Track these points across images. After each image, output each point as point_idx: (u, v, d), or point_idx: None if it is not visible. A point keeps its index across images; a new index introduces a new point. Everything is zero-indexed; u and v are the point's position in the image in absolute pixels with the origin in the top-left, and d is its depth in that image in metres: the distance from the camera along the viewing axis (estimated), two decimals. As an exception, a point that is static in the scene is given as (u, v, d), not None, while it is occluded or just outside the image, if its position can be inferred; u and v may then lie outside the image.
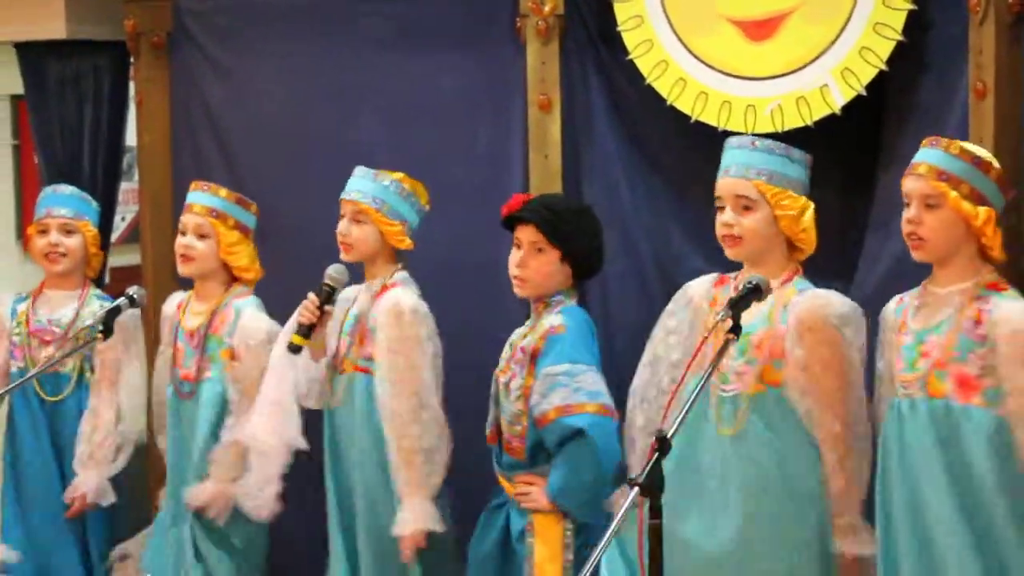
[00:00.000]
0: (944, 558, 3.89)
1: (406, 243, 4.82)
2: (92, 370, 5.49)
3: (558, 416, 4.33)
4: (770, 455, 4.16)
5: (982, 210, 3.89)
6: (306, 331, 4.71)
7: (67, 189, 5.67)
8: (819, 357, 4.11)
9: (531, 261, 4.49)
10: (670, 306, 4.46)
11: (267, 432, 4.83)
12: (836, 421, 4.12)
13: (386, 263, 4.83)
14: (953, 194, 3.88)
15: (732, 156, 4.27)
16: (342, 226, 4.81)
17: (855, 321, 4.17)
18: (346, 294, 4.90)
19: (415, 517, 4.64)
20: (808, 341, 4.11)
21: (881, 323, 4.16)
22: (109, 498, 5.45)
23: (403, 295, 4.72)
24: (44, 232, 5.55)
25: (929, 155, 3.97)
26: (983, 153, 3.98)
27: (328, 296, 4.73)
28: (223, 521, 5.04)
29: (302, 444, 4.87)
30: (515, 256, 4.51)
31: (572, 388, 4.34)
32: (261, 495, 4.92)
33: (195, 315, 5.20)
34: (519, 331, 4.58)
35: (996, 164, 3.96)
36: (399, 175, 4.83)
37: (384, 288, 4.77)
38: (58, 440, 5.50)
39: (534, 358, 4.43)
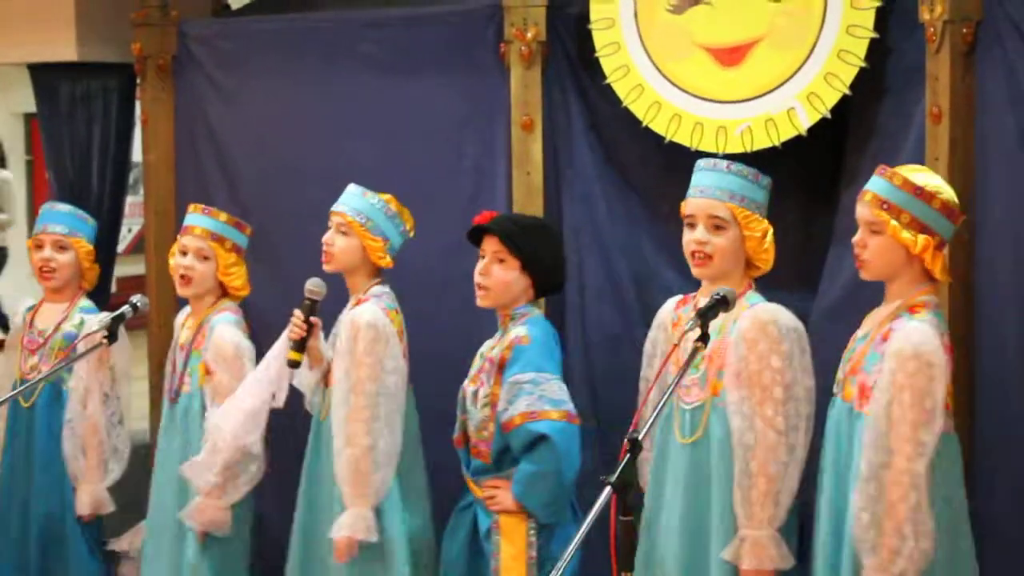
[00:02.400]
0: None
1: (386, 260, 4.88)
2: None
3: (524, 422, 4.43)
4: (719, 460, 4.23)
5: (921, 238, 3.96)
6: (298, 345, 4.82)
7: (64, 207, 5.74)
8: (758, 366, 4.18)
9: (493, 270, 4.61)
10: (649, 334, 4.56)
11: (230, 430, 4.89)
12: (768, 429, 4.16)
13: (365, 277, 4.90)
14: (893, 223, 3.97)
15: (706, 177, 4.35)
16: (328, 235, 4.90)
17: (797, 336, 4.23)
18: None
19: (351, 524, 4.68)
20: (748, 350, 4.19)
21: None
22: (108, 508, 5.54)
23: (365, 310, 4.77)
24: (40, 247, 5.61)
25: (875, 184, 4.05)
26: (927, 182, 4.02)
27: (311, 308, 4.82)
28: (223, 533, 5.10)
29: (257, 450, 4.96)
30: (479, 266, 4.64)
31: (537, 395, 4.44)
32: (199, 476, 4.99)
33: (187, 329, 5.27)
34: (488, 343, 4.69)
35: (942, 194, 4.01)
36: (387, 196, 4.92)
37: (358, 302, 4.86)
38: (31, 443, 5.57)
39: (501, 367, 4.54)
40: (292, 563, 5.02)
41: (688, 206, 4.37)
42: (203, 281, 5.21)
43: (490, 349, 4.66)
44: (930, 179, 4.07)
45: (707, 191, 4.33)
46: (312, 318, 4.83)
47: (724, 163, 4.39)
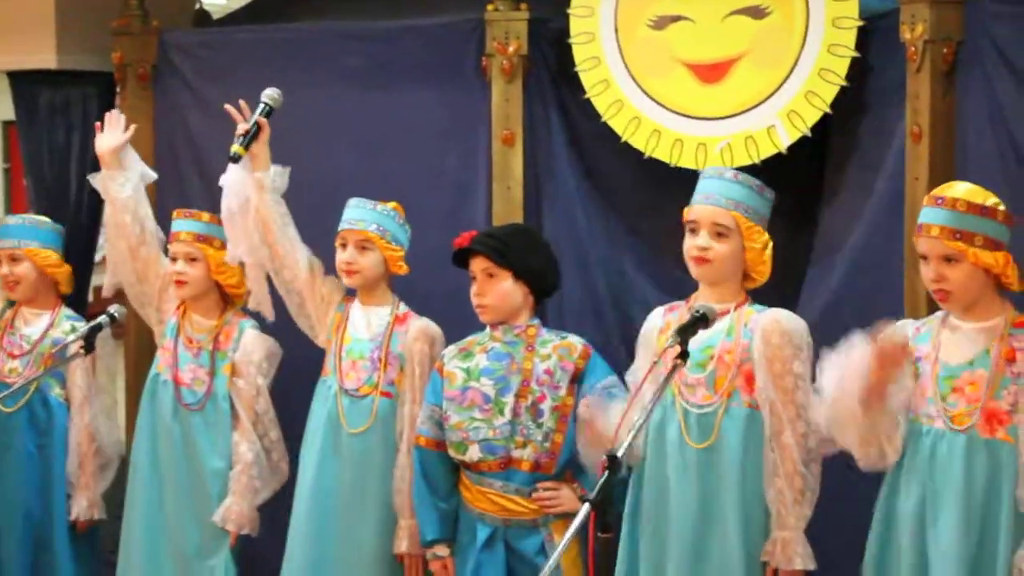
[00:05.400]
0: None
1: (404, 268, 4.96)
2: (62, 386, 5.59)
3: None
4: (735, 468, 4.26)
5: (999, 255, 3.91)
6: (246, 141, 4.88)
7: (14, 219, 5.77)
8: (787, 370, 4.23)
9: (487, 288, 4.65)
10: (638, 349, 4.53)
11: None
12: (797, 432, 4.22)
13: (385, 288, 5.00)
14: (971, 250, 3.89)
15: (713, 185, 4.33)
16: (347, 255, 4.91)
17: (808, 337, 4.28)
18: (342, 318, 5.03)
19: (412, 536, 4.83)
20: (772, 355, 4.23)
21: None
22: (102, 514, 5.57)
23: (431, 324, 4.96)
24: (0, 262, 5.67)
25: (936, 215, 3.94)
26: (987, 200, 3.95)
27: (267, 113, 4.90)
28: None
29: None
30: (473, 288, 4.69)
31: (623, 399, 4.42)
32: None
33: (198, 329, 5.28)
34: (499, 362, 4.67)
35: (1000, 204, 3.96)
36: (392, 204, 4.97)
37: (404, 316, 4.98)
38: (9, 449, 5.58)
39: (575, 378, 4.62)
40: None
41: (692, 212, 4.35)
42: (197, 283, 5.24)
43: (528, 360, 4.65)
44: (983, 194, 3.99)
45: (713, 198, 4.31)
46: (262, 119, 4.89)
47: (731, 172, 4.38)
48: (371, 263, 4.94)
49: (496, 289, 4.65)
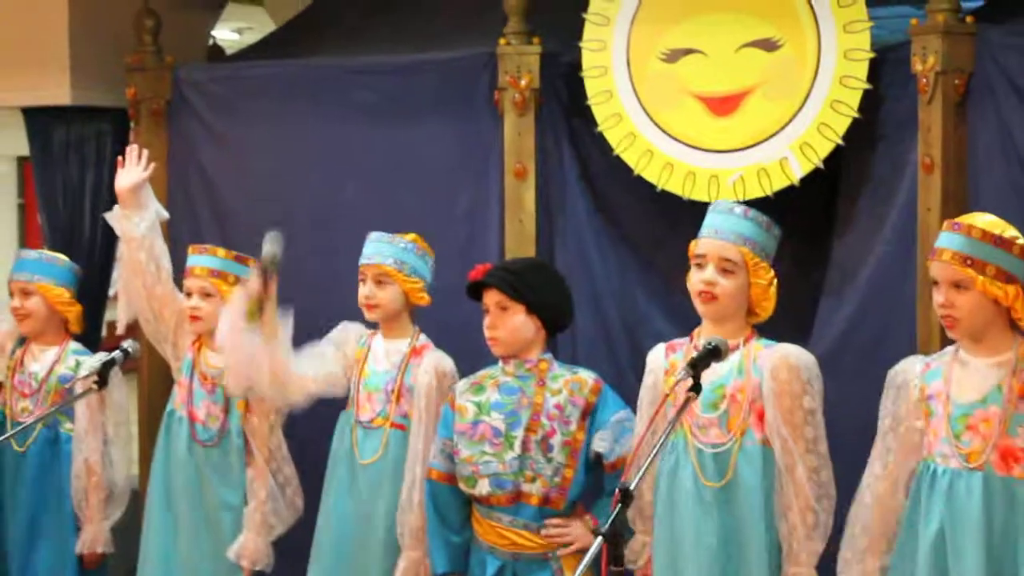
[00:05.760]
0: None
1: (426, 299, 4.98)
2: (72, 422, 5.56)
3: None
4: (753, 505, 4.24)
5: (1011, 288, 3.87)
6: (256, 307, 4.78)
7: (31, 253, 5.76)
8: (796, 406, 4.20)
9: (499, 321, 4.65)
10: (644, 381, 4.51)
11: None
12: (808, 467, 4.19)
13: (407, 319, 5.02)
14: (980, 279, 3.86)
15: (722, 220, 4.30)
16: (367, 290, 4.93)
17: (818, 372, 4.25)
18: (351, 331, 5.07)
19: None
20: (781, 391, 4.20)
21: (901, 386, 4.10)
22: (108, 547, 5.55)
23: (445, 359, 4.95)
24: (11, 295, 5.67)
25: (951, 240, 3.92)
26: (1005, 232, 3.92)
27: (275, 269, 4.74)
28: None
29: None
30: (486, 320, 4.69)
31: (636, 433, 4.49)
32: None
33: (212, 365, 5.26)
34: (510, 396, 4.67)
35: (1019, 239, 3.91)
36: (411, 236, 4.98)
37: (421, 348, 4.98)
38: (20, 487, 5.58)
39: (586, 413, 4.61)
40: None
41: (700, 246, 4.32)
42: (211, 319, 5.18)
43: (539, 395, 4.65)
44: (1003, 226, 3.96)
45: (721, 233, 4.29)
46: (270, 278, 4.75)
47: (740, 208, 4.35)
48: (390, 297, 4.95)
49: (508, 323, 4.66)
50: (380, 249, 4.97)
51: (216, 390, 5.24)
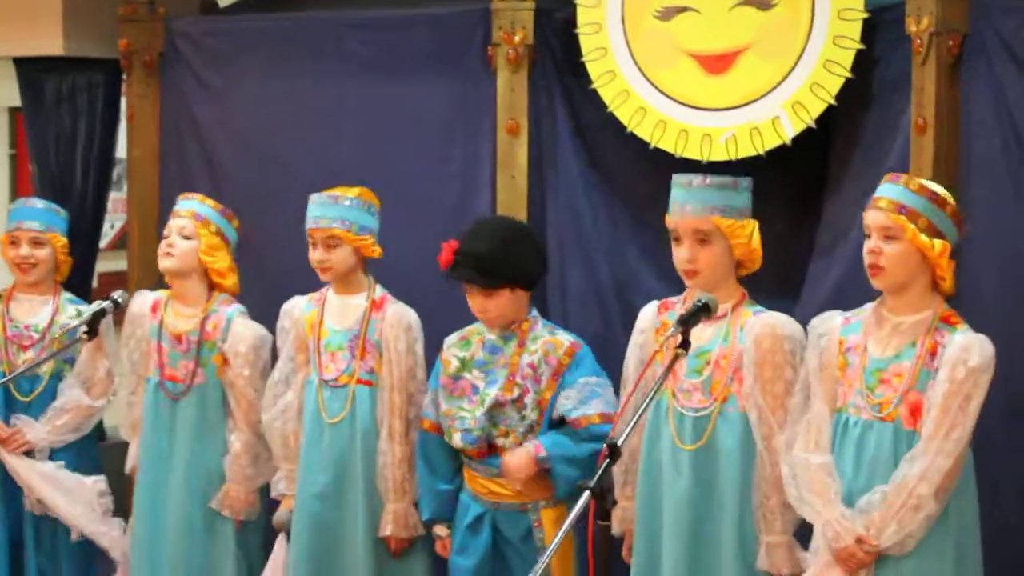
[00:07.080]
0: None
1: (377, 251, 4.96)
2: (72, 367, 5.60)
3: (602, 421, 4.52)
4: (730, 469, 4.28)
5: (938, 242, 3.97)
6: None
7: (39, 203, 5.74)
8: (777, 376, 4.24)
9: (488, 304, 4.66)
10: (632, 339, 4.55)
11: None
12: (779, 437, 4.22)
13: (362, 273, 5.00)
14: (911, 227, 3.96)
15: (686, 194, 4.34)
16: (319, 255, 4.92)
17: (802, 343, 4.28)
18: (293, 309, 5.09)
19: (397, 521, 4.90)
20: (763, 360, 4.24)
21: (822, 336, 4.19)
22: (44, 455, 5.52)
23: (407, 310, 4.97)
24: (15, 243, 5.62)
25: (890, 190, 4.05)
26: (940, 190, 4.05)
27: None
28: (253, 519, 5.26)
29: None
30: (473, 303, 4.69)
31: (605, 399, 4.57)
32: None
33: (182, 318, 5.26)
34: (492, 354, 4.70)
35: (951, 200, 4.04)
36: (354, 191, 4.94)
37: (380, 300, 4.98)
38: None
39: (558, 372, 4.63)
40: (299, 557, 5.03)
41: (670, 221, 4.39)
42: (184, 258, 5.21)
43: (516, 355, 4.67)
44: (943, 189, 4.07)
45: (687, 206, 4.34)
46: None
47: (698, 178, 4.38)
48: (341, 257, 4.95)
49: (497, 303, 4.67)
50: (326, 212, 4.94)
51: (191, 347, 5.24)
